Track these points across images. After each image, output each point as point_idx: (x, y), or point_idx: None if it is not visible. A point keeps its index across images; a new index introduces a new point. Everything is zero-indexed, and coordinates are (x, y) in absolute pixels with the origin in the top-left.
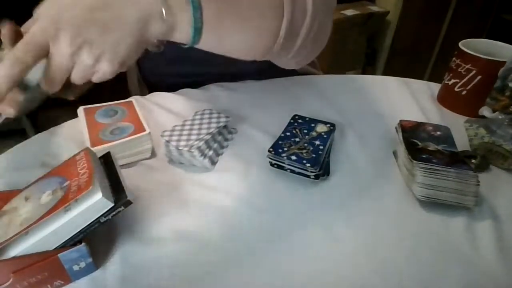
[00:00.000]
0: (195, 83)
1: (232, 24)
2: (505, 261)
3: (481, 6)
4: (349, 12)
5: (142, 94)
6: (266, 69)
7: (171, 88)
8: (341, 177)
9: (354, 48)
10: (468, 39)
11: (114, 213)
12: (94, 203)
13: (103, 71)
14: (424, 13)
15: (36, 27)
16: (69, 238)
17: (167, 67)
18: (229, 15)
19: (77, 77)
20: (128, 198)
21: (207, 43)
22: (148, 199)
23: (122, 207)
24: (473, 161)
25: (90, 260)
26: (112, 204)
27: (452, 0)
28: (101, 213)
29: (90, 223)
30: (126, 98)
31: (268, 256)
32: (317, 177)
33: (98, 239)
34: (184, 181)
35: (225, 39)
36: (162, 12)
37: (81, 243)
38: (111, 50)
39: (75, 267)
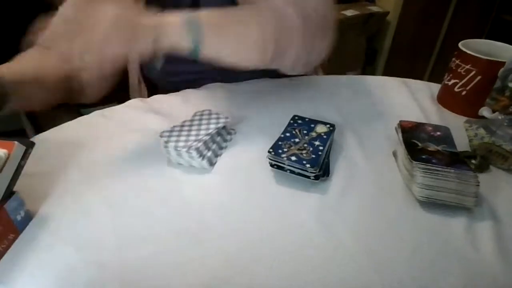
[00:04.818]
0: (195, 81)
1: (230, 38)
2: (505, 261)
3: (481, 6)
4: (349, 12)
5: (141, 93)
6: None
7: (171, 86)
8: (341, 178)
9: (354, 48)
10: (468, 39)
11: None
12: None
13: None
14: (424, 13)
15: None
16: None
17: (168, 65)
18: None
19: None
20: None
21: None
22: (147, 200)
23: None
24: (473, 161)
25: (25, 208)
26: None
27: (452, 0)
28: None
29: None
30: (126, 97)
31: (268, 256)
32: (317, 177)
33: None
34: (182, 182)
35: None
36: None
37: (13, 193)
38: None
39: (18, 217)
